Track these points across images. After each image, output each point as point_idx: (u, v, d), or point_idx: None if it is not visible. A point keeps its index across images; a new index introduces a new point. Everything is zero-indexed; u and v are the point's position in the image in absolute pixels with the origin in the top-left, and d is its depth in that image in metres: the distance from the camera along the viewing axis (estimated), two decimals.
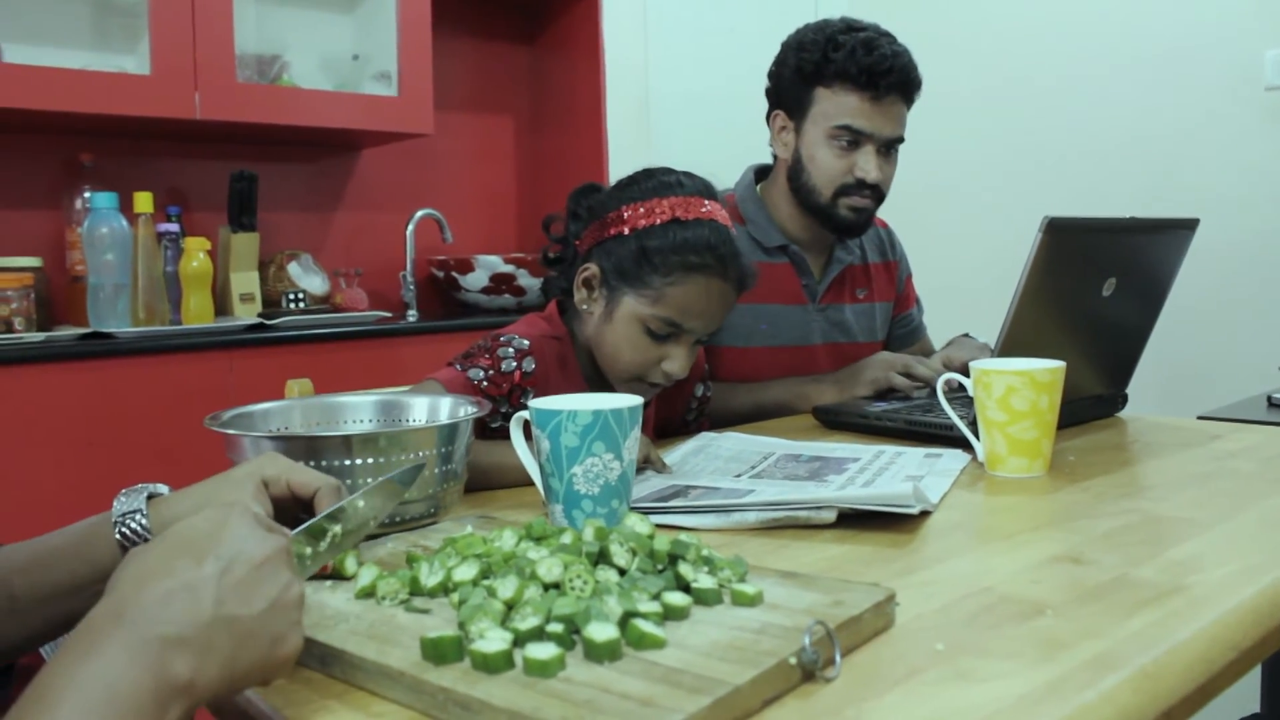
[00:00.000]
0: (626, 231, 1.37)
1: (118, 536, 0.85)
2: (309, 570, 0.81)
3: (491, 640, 0.67)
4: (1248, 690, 2.00)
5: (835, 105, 1.80)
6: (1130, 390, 1.70)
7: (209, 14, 2.48)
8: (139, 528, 0.85)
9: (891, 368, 1.75)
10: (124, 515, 0.85)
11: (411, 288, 3.03)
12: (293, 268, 2.81)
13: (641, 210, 1.37)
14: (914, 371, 1.74)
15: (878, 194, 1.85)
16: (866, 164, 1.81)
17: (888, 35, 1.83)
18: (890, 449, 1.41)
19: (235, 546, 0.65)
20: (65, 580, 0.85)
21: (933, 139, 3.62)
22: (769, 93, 1.93)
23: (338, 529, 0.84)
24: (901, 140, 1.85)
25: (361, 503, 0.86)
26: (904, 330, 2.12)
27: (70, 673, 0.56)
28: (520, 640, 0.68)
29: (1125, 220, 1.51)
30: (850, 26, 1.82)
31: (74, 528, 0.88)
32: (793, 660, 0.65)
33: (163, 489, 0.90)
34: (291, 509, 0.91)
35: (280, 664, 0.65)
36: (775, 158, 1.94)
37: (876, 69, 1.76)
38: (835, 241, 1.96)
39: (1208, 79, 3.15)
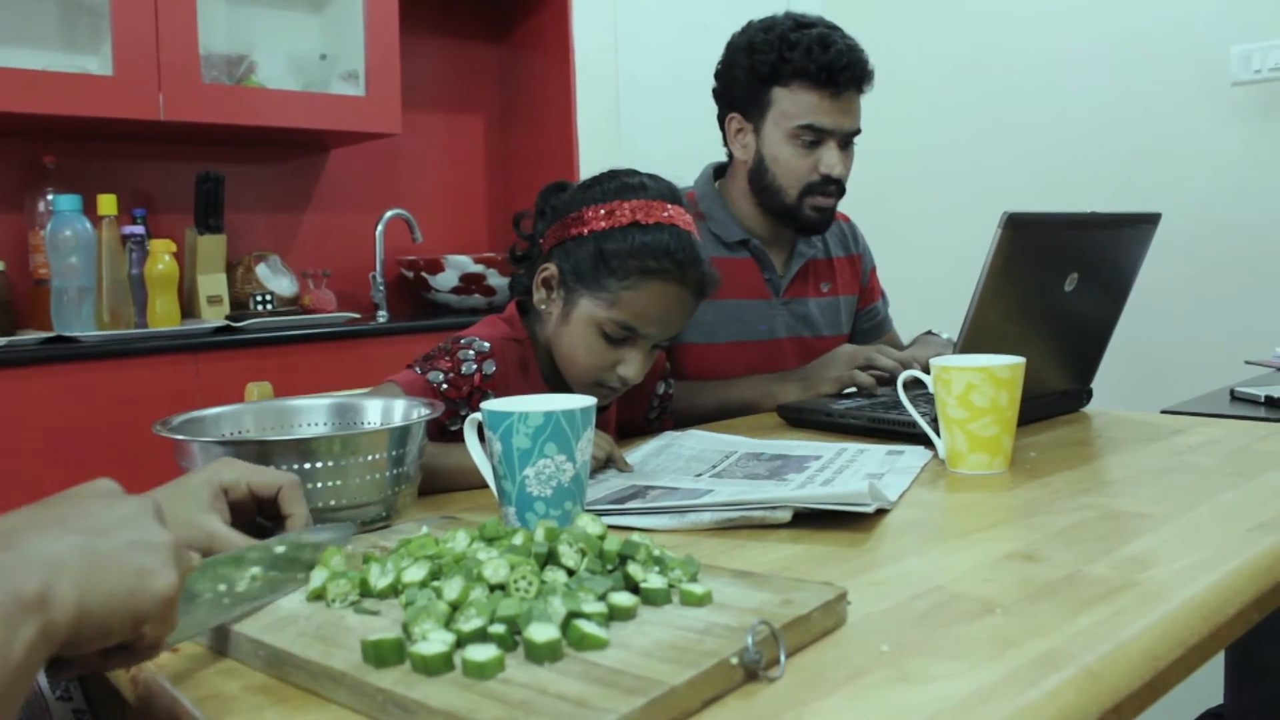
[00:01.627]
0: (586, 233, 1.36)
1: None
2: (207, 623, 0.76)
3: (432, 642, 0.66)
4: (1213, 682, 2.00)
5: (795, 105, 1.80)
6: (1095, 385, 1.70)
7: (172, 14, 2.46)
8: None
9: (854, 362, 1.75)
10: None
11: (381, 288, 3.01)
12: (261, 269, 2.79)
13: (602, 212, 1.36)
14: (876, 363, 1.73)
15: (840, 189, 1.86)
16: (831, 160, 1.81)
17: (837, 29, 1.82)
18: (853, 447, 1.40)
19: (94, 498, 0.64)
20: None
21: (896, 133, 3.64)
22: (719, 96, 1.92)
23: (256, 570, 0.81)
24: (859, 133, 1.86)
25: (281, 547, 0.84)
26: (870, 323, 2.11)
27: None
28: (463, 641, 0.67)
29: (1086, 215, 1.52)
30: (799, 23, 1.81)
31: None
32: (734, 660, 0.65)
33: None
34: (252, 512, 0.90)
35: (150, 599, 0.61)
36: (731, 158, 1.94)
37: (834, 66, 1.76)
38: (796, 236, 1.96)
39: (1174, 74, 3.16)
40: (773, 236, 1.93)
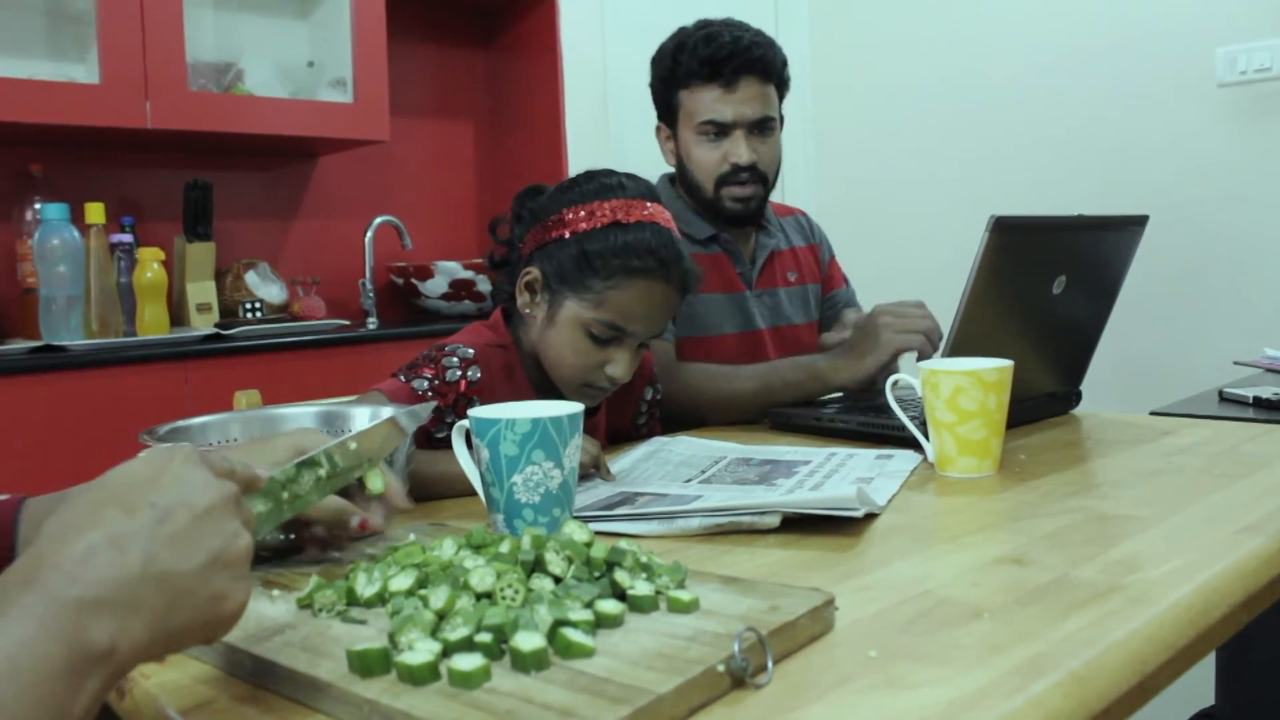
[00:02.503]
0: (567, 235, 1.36)
1: None
2: (283, 517, 0.78)
3: (418, 652, 0.66)
4: (1204, 684, 2.01)
5: (694, 103, 1.86)
6: (1085, 387, 1.70)
7: (159, 23, 2.46)
8: None
9: (902, 327, 1.63)
10: None
11: (371, 295, 3.01)
12: (250, 277, 2.78)
13: (582, 213, 1.36)
14: (917, 326, 1.63)
15: (758, 176, 1.88)
16: (736, 148, 1.85)
17: (735, 24, 1.86)
18: (842, 451, 1.40)
19: (175, 493, 0.59)
20: None
21: (882, 137, 3.64)
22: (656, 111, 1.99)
23: (322, 472, 0.82)
24: (771, 119, 1.88)
25: (354, 444, 0.86)
26: (833, 310, 2.11)
27: None
28: (449, 651, 0.67)
29: (1073, 218, 1.52)
30: (699, 26, 1.88)
31: None
32: (721, 667, 0.65)
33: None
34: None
35: (223, 622, 0.60)
36: None
37: (716, 58, 1.81)
38: (756, 229, 1.99)
39: (1159, 76, 3.17)
40: (734, 232, 1.96)
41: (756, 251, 1.99)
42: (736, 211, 1.89)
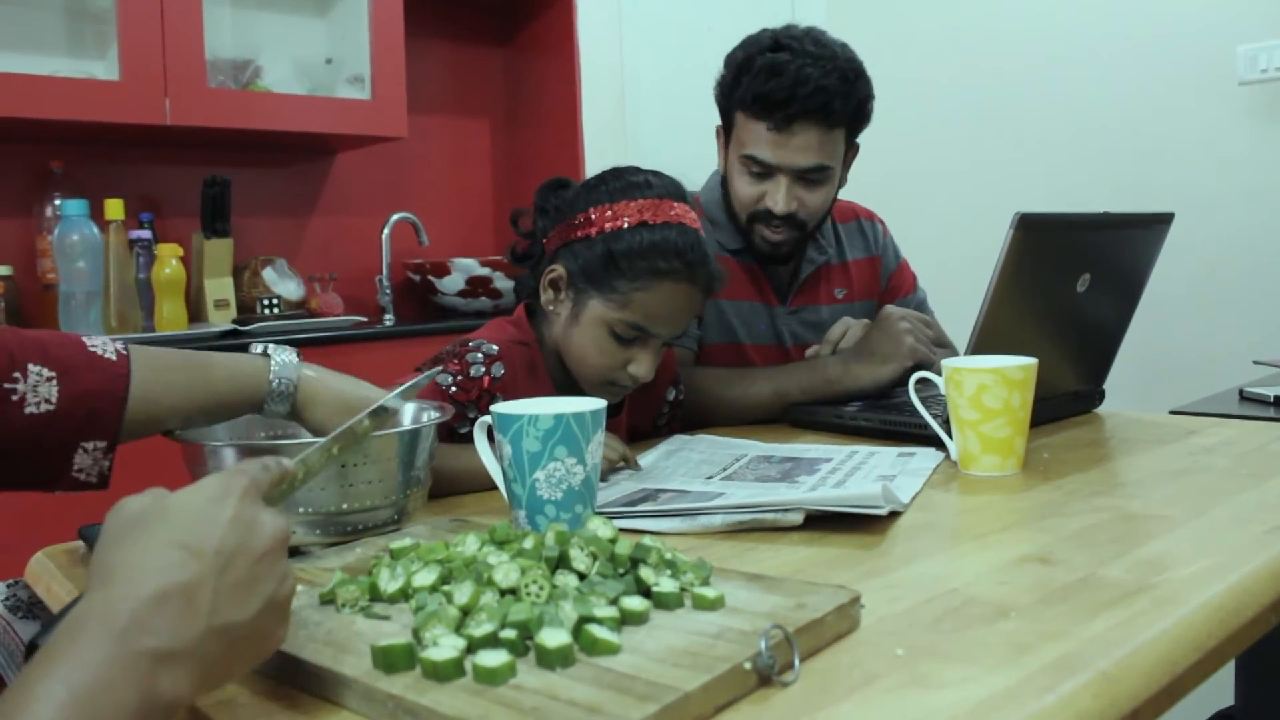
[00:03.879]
0: (593, 234, 1.36)
1: (276, 386, 1.05)
2: (297, 489, 0.80)
3: (443, 648, 0.66)
4: (1223, 684, 1.99)
5: (746, 133, 1.70)
6: (1107, 386, 1.69)
7: (178, 20, 2.46)
8: (287, 384, 1.05)
9: (916, 334, 1.63)
10: (281, 376, 1.05)
11: (387, 292, 3.01)
12: (268, 273, 2.79)
13: (609, 213, 1.36)
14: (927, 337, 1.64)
15: (795, 223, 1.73)
16: (775, 195, 1.69)
17: (808, 55, 1.64)
18: (864, 449, 1.40)
19: (237, 537, 0.62)
20: (220, 413, 1.05)
21: (906, 135, 3.63)
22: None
23: (335, 449, 0.86)
24: (825, 168, 1.69)
25: (367, 421, 0.89)
26: None
27: (53, 677, 0.53)
28: (474, 647, 0.67)
29: (1098, 215, 1.51)
30: (775, 44, 1.68)
31: (225, 367, 1.04)
32: (748, 665, 0.64)
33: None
34: None
35: (261, 658, 0.64)
36: None
37: (772, 98, 1.63)
38: (807, 242, 1.89)
39: (1181, 74, 3.15)
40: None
41: (801, 267, 1.87)
42: (766, 252, 1.77)
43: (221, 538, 0.61)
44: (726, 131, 1.78)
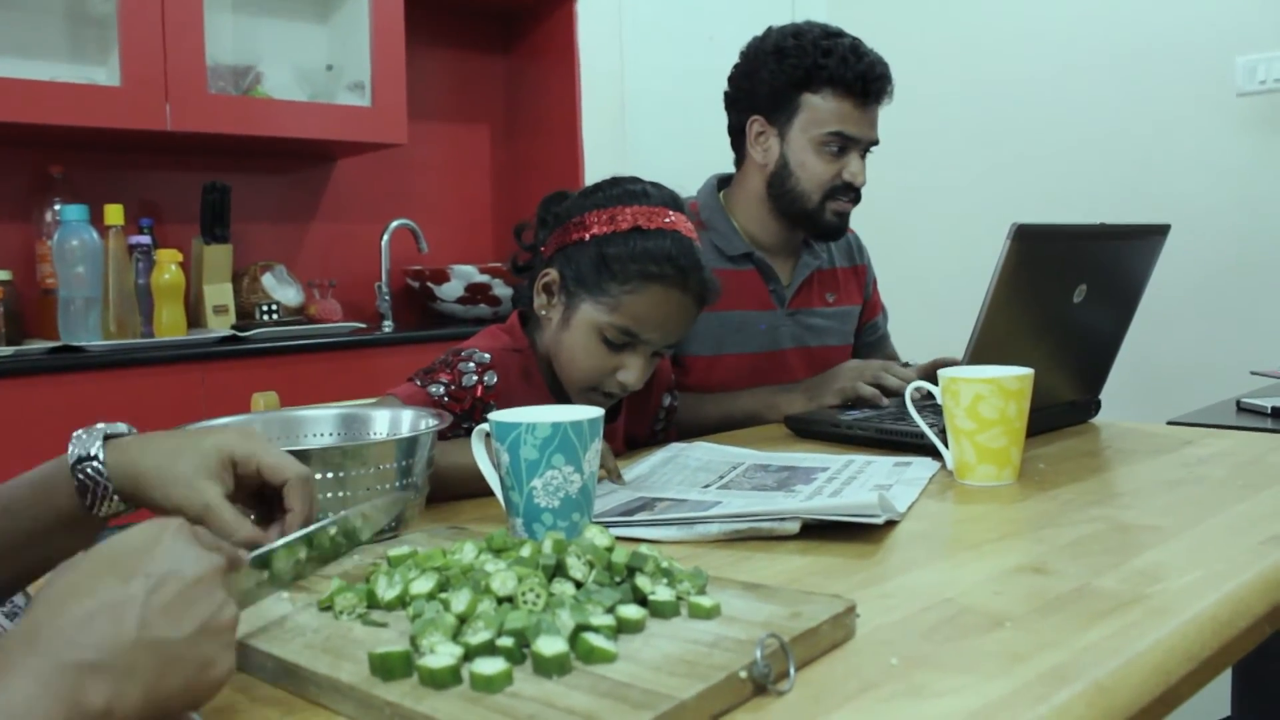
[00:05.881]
0: (588, 238, 1.36)
1: (76, 481, 0.86)
2: (260, 597, 0.76)
3: (440, 655, 0.66)
4: (1219, 694, 2.00)
5: (826, 112, 1.81)
6: (1104, 396, 1.70)
7: (179, 25, 2.47)
8: (95, 473, 0.86)
9: (860, 376, 1.73)
10: (80, 461, 0.87)
11: (386, 298, 3.01)
12: (267, 279, 2.79)
13: (604, 217, 1.36)
14: (883, 382, 1.72)
15: (858, 195, 1.88)
16: (856, 168, 1.84)
17: (862, 41, 1.85)
18: (860, 458, 1.40)
19: (167, 564, 0.62)
20: (28, 528, 0.87)
21: (903, 144, 3.62)
22: (735, 101, 1.91)
23: (302, 554, 0.79)
24: (877, 143, 1.88)
25: (334, 530, 0.82)
26: (872, 338, 2.11)
27: None
28: (471, 654, 0.67)
29: (1095, 227, 1.51)
30: (828, 32, 1.83)
31: (33, 474, 0.89)
32: (743, 674, 0.65)
33: (121, 428, 0.89)
34: (256, 489, 0.87)
35: (208, 689, 0.62)
36: (740, 165, 1.93)
37: (869, 76, 1.79)
38: (802, 245, 1.96)
39: (1179, 85, 3.16)
40: (779, 246, 1.92)
41: (797, 270, 1.95)
42: (834, 225, 1.88)
43: (149, 563, 0.61)
44: (781, 117, 1.85)
